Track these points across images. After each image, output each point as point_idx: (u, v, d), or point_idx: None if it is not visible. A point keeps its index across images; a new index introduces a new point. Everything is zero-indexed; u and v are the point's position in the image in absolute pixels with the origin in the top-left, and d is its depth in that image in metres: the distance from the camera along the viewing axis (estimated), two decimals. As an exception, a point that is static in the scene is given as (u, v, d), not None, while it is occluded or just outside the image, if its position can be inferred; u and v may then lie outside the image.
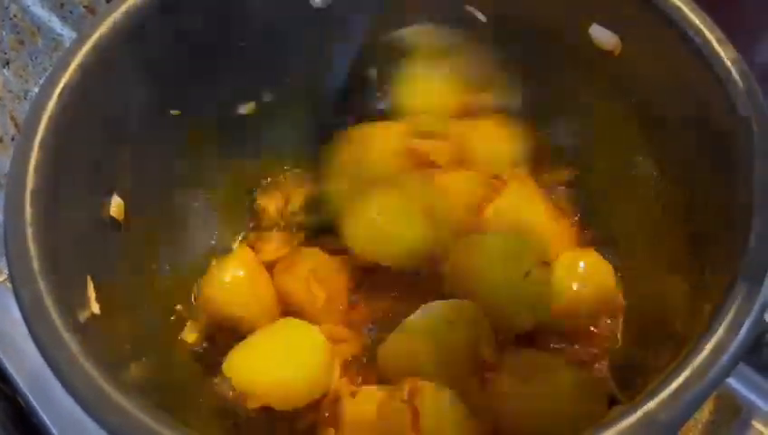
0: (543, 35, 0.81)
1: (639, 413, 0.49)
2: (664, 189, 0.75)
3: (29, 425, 0.88)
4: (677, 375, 0.51)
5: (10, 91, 0.98)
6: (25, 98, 0.99)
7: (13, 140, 0.99)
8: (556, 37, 0.80)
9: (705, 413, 0.86)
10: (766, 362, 0.86)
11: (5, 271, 0.96)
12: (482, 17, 0.83)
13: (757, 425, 0.85)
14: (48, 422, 0.86)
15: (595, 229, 0.86)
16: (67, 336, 0.53)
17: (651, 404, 0.50)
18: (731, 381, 0.86)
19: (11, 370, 0.90)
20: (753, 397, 0.86)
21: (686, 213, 0.70)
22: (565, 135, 0.88)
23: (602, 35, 0.77)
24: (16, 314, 0.89)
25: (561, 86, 0.84)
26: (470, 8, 0.83)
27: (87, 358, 0.52)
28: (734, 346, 0.53)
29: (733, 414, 0.85)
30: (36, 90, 0.99)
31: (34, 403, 0.87)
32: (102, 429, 0.51)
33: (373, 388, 0.72)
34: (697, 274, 0.64)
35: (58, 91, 0.65)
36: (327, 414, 0.74)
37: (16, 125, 0.98)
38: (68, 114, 0.65)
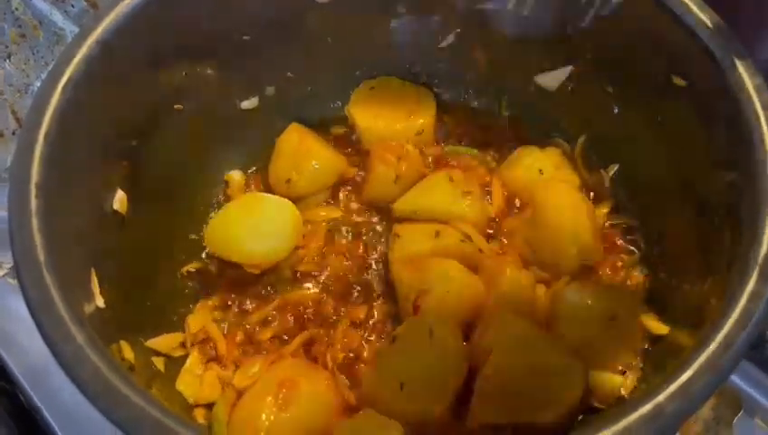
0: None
1: (649, 405, 0.49)
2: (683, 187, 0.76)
3: (30, 420, 0.88)
4: (686, 368, 0.51)
5: (11, 85, 0.97)
6: (26, 92, 0.98)
7: (14, 134, 0.99)
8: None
9: (706, 409, 0.86)
10: (768, 358, 0.87)
11: (6, 265, 0.96)
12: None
13: (759, 421, 0.85)
14: (49, 417, 0.86)
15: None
16: (74, 329, 0.53)
17: (660, 397, 0.50)
18: (733, 377, 0.86)
19: (11, 366, 0.89)
20: (754, 393, 0.86)
21: (701, 211, 0.70)
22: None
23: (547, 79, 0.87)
24: (17, 309, 0.89)
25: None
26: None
27: (94, 350, 0.52)
28: (740, 341, 0.53)
29: (734, 410, 0.86)
30: (37, 84, 0.99)
31: (35, 399, 0.87)
32: (109, 420, 0.51)
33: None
34: (707, 271, 0.65)
35: (62, 84, 0.65)
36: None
37: (17, 119, 0.98)
38: (71, 108, 0.65)
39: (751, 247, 0.56)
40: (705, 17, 0.68)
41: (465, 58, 0.92)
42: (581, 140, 0.89)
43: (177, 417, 0.53)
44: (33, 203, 0.58)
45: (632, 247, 0.82)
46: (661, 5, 0.70)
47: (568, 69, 0.86)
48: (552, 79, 0.87)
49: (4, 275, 0.95)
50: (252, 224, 0.82)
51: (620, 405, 0.54)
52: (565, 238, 0.77)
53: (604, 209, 0.85)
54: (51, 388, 0.87)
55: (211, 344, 0.81)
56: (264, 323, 0.82)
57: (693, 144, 0.71)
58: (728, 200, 0.64)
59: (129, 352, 0.66)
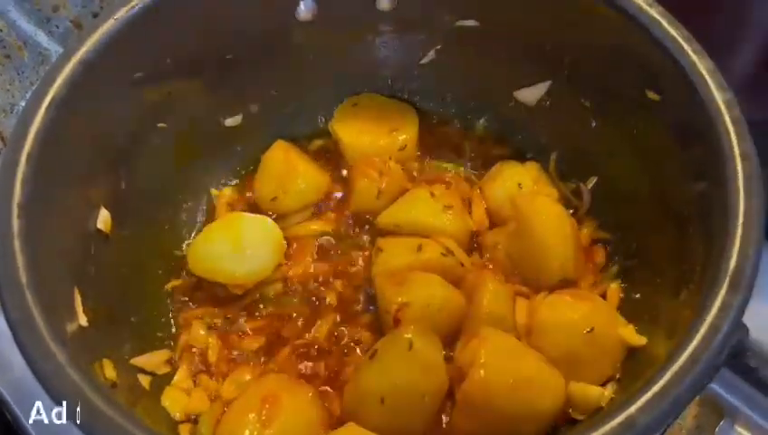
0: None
1: (621, 417, 0.50)
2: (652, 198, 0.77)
3: (14, 436, 0.88)
4: (657, 379, 0.52)
5: (-4, 106, 0.98)
6: (11, 112, 0.99)
7: (-1, 154, 0.99)
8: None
9: (689, 418, 0.87)
10: (748, 366, 0.88)
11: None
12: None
13: (740, 429, 0.86)
14: (33, 434, 0.86)
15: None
16: (55, 347, 0.54)
17: (632, 408, 0.51)
18: (714, 385, 0.87)
19: (-3, 381, 0.89)
20: (735, 401, 0.87)
21: (675, 223, 0.71)
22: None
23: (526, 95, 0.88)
24: (1, 326, 0.89)
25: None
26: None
27: (75, 369, 0.53)
28: (710, 352, 0.54)
29: (716, 418, 0.87)
30: (22, 104, 1.00)
31: (20, 415, 0.87)
32: (90, 439, 0.51)
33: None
34: (682, 283, 0.65)
35: (45, 104, 0.66)
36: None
37: (2, 139, 0.98)
38: (55, 128, 0.66)
39: (721, 259, 0.57)
40: (676, 33, 0.69)
41: (445, 74, 0.93)
42: (554, 155, 0.90)
43: (160, 434, 0.53)
44: (16, 223, 0.59)
45: (610, 260, 0.83)
46: (634, 21, 0.71)
47: (546, 84, 0.87)
48: (530, 94, 0.89)
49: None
50: (232, 245, 0.82)
51: (596, 416, 0.55)
52: (549, 252, 0.78)
53: (583, 223, 0.86)
54: (35, 404, 0.87)
55: (198, 355, 0.81)
56: (250, 337, 0.83)
57: (667, 157, 0.72)
58: (700, 213, 0.65)
59: (111, 371, 0.66)
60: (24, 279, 0.56)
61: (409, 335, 0.71)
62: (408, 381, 0.69)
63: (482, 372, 0.68)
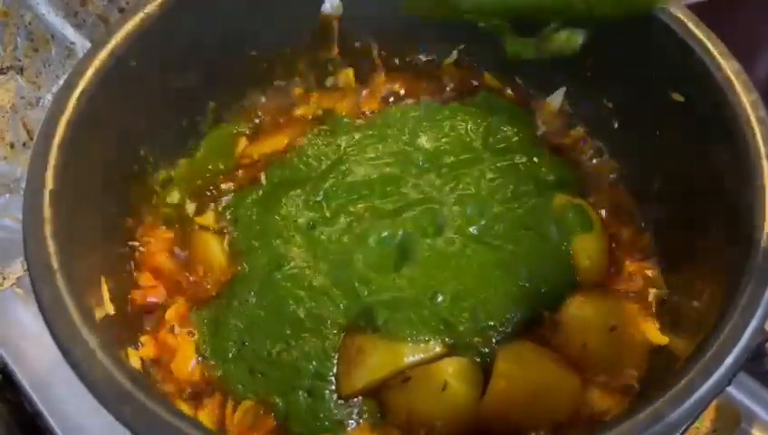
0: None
1: (647, 410, 0.51)
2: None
3: (35, 429, 0.88)
4: (684, 375, 0.52)
5: (22, 98, 0.99)
6: (37, 105, 1.00)
7: (24, 145, 1.00)
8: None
9: (706, 422, 0.86)
10: (766, 371, 0.87)
11: (13, 276, 0.97)
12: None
13: (757, 434, 0.86)
14: (54, 426, 0.87)
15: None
16: (85, 333, 0.54)
17: (659, 403, 0.51)
18: (731, 390, 0.87)
19: (18, 375, 0.90)
20: (753, 406, 0.87)
21: (700, 224, 0.71)
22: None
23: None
24: (23, 319, 0.90)
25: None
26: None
27: (106, 354, 0.53)
28: (736, 349, 0.54)
29: (733, 423, 0.86)
30: (48, 97, 1.01)
31: (41, 408, 0.88)
32: (121, 423, 0.51)
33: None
34: (707, 283, 0.66)
35: (76, 95, 0.67)
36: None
37: (28, 131, 0.99)
38: (84, 118, 0.66)
39: (747, 258, 0.58)
40: (702, 35, 0.69)
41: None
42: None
43: (188, 418, 0.53)
44: (47, 210, 0.59)
45: (632, 260, 0.83)
46: (660, 24, 0.71)
47: (562, 90, 0.89)
48: (552, 99, 0.90)
49: (11, 286, 0.96)
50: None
51: (618, 413, 0.55)
52: (581, 252, 0.78)
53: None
54: (56, 397, 0.87)
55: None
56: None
57: (691, 159, 0.73)
58: (725, 213, 0.65)
59: (135, 360, 0.67)
60: (55, 265, 0.57)
61: (446, 376, 0.68)
62: (431, 418, 0.68)
63: (502, 382, 0.67)
